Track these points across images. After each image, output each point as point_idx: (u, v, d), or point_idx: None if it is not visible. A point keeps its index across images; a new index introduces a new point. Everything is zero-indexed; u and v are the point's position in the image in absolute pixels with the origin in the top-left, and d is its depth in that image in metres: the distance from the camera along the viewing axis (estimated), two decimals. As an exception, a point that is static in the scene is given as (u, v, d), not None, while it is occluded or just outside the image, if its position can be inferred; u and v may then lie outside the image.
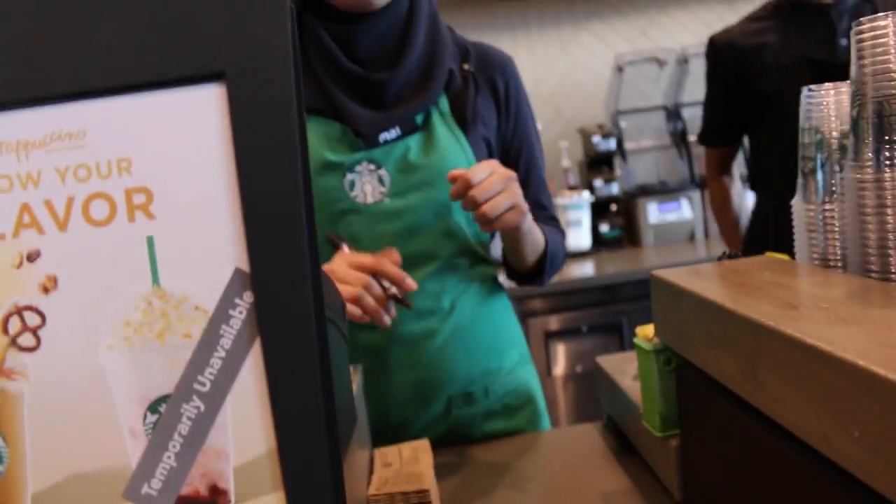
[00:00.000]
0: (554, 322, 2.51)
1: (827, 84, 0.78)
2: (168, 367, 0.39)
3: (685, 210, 2.86)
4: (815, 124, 0.78)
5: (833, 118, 0.77)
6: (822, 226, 0.78)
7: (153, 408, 0.39)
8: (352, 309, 0.89)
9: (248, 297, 0.39)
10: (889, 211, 0.67)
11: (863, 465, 0.45)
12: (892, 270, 0.67)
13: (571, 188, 2.99)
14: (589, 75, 3.18)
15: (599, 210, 2.93)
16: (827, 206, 0.77)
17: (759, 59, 1.79)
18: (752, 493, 0.65)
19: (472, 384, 1.13)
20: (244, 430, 0.39)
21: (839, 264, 0.76)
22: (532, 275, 1.17)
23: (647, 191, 2.89)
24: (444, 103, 1.09)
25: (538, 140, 1.21)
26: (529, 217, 1.03)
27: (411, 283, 0.93)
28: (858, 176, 0.69)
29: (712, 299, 0.66)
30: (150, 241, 0.39)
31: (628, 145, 2.96)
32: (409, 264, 1.07)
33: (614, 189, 2.93)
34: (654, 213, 2.86)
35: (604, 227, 2.91)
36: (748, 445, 0.64)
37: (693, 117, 2.97)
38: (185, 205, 0.39)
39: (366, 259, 0.92)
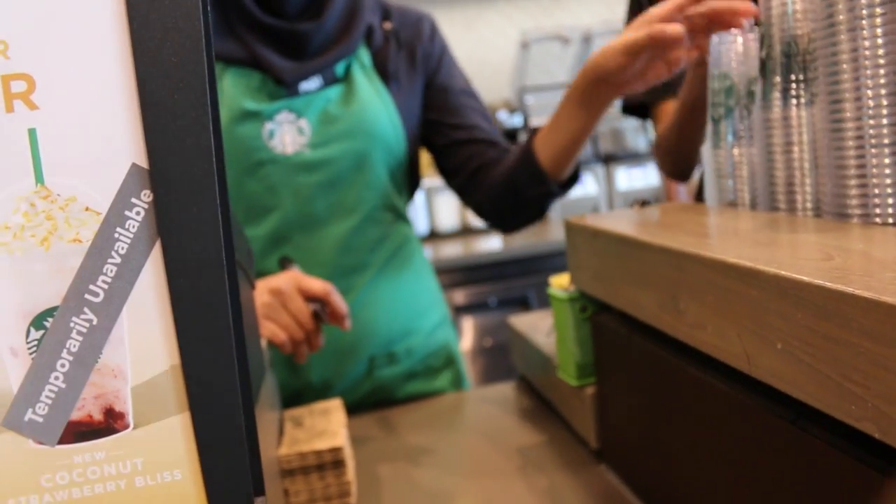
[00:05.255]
0: (461, 296, 2.51)
1: (735, 29, 0.78)
2: (54, 275, 0.35)
3: (589, 186, 2.91)
4: (725, 70, 0.79)
5: (742, 64, 0.77)
6: (731, 170, 0.79)
7: (38, 322, 0.35)
8: (280, 337, 0.88)
9: (146, 196, 0.35)
10: (795, 148, 0.68)
11: (786, 376, 0.45)
12: (799, 205, 0.68)
13: (478, 165, 2.99)
14: (495, 52, 3.18)
15: (506, 186, 2.94)
16: (735, 151, 0.78)
17: None
18: (671, 429, 0.65)
19: (393, 343, 1.12)
20: (143, 345, 0.36)
21: (747, 208, 0.77)
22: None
23: (552, 167, 2.92)
24: (365, 57, 1.08)
25: (468, 83, 1.18)
26: None
27: (348, 325, 0.93)
28: (766, 115, 0.70)
29: (630, 235, 0.66)
30: (33, 134, 0.34)
31: (535, 121, 2.98)
32: (330, 217, 1.06)
33: (520, 165, 2.94)
34: (559, 188, 2.89)
35: (510, 204, 2.92)
36: (667, 381, 0.64)
37: (596, 95, 3.00)
38: (74, 93, 0.35)
39: (315, 286, 0.90)
